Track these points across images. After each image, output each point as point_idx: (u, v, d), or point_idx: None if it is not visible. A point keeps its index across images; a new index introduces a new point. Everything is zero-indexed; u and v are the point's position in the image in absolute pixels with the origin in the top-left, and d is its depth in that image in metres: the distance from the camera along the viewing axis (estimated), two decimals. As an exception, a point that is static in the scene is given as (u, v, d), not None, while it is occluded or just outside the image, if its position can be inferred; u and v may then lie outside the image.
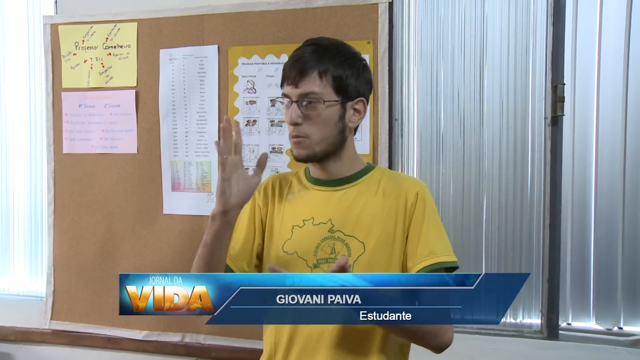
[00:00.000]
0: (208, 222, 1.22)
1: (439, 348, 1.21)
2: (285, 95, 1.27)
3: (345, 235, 1.26)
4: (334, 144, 1.27)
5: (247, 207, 1.37)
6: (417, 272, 1.21)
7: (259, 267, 1.38)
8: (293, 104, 1.24)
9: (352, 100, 1.27)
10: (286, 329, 1.28)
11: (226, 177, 1.19)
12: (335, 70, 1.24)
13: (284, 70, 1.28)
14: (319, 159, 1.28)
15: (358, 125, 1.33)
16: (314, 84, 1.23)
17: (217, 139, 2.18)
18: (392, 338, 1.26)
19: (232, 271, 1.34)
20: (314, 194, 1.33)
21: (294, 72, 1.24)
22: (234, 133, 1.20)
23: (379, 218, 1.26)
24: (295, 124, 1.24)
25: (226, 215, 1.21)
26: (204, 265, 1.24)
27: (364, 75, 1.30)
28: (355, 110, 1.29)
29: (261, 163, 1.23)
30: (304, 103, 1.23)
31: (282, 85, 1.29)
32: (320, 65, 1.23)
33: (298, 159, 1.28)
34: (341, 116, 1.26)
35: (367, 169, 1.33)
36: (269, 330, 1.33)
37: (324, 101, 1.23)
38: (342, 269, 1.05)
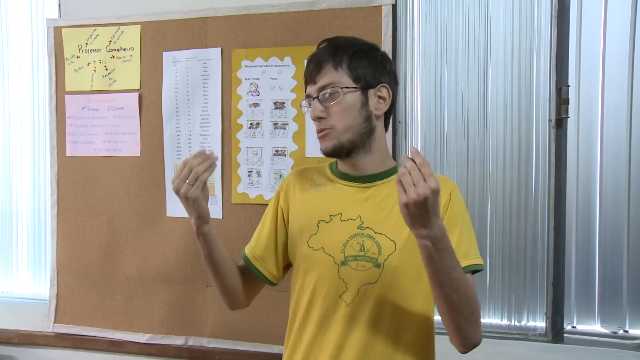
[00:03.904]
0: (197, 239, 1.29)
1: (470, 343, 1.16)
2: (308, 96, 1.28)
3: (375, 232, 1.24)
4: (360, 133, 1.26)
5: (270, 208, 1.40)
6: None
7: (288, 267, 1.39)
8: (314, 100, 1.26)
9: (373, 88, 1.27)
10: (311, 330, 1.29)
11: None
12: (350, 60, 1.25)
13: (304, 73, 1.31)
14: (347, 150, 1.26)
15: (389, 118, 1.33)
16: (330, 76, 1.24)
17: (220, 142, 2.19)
18: (418, 341, 1.25)
19: (259, 272, 1.37)
20: (341, 189, 1.31)
21: (310, 69, 1.27)
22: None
23: None
24: (318, 119, 1.25)
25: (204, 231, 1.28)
26: (217, 273, 1.33)
27: (382, 64, 1.29)
28: (380, 97, 1.28)
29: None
30: (324, 96, 1.24)
31: (305, 88, 1.31)
32: (334, 58, 1.24)
33: (326, 153, 1.27)
34: (363, 103, 1.26)
35: (397, 169, 1.32)
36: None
37: (341, 88, 1.23)
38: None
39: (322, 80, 1.25)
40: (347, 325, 1.23)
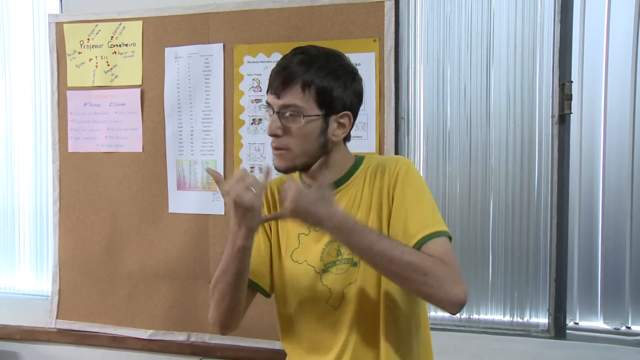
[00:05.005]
0: (232, 252, 1.17)
1: (446, 302, 1.09)
2: (267, 104, 1.22)
3: None
4: (314, 157, 1.23)
5: None
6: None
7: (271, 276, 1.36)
8: (274, 114, 1.20)
9: (336, 114, 1.22)
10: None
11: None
12: (321, 82, 1.18)
13: (269, 77, 1.23)
14: (301, 170, 1.26)
15: (347, 136, 1.28)
16: (296, 97, 1.18)
17: (222, 138, 2.19)
18: (400, 325, 1.24)
19: (260, 287, 1.34)
20: None
21: (277, 82, 1.20)
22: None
23: (370, 209, 1.24)
24: (274, 135, 1.20)
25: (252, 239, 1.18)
26: (237, 291, 1.25)
27: (352, 87, 1.24)
28: (340, 124, 1.23)
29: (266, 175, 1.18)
30: (285, 115, 1.19)
31: (267, 92, 1.24)
32: (304, 77, 1.18)
33: (278, 170, 1.25)
34: (323, 130, 1.21)
35: (356, 166, 1.30)
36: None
37: (304, 116, 1.18)
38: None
39: (287, 99, 1.18)
40: (339, 328, 1.25)
